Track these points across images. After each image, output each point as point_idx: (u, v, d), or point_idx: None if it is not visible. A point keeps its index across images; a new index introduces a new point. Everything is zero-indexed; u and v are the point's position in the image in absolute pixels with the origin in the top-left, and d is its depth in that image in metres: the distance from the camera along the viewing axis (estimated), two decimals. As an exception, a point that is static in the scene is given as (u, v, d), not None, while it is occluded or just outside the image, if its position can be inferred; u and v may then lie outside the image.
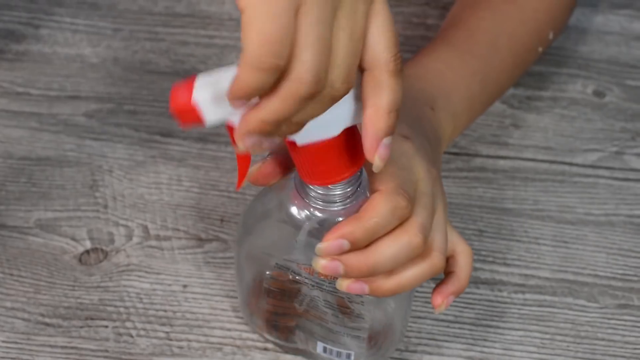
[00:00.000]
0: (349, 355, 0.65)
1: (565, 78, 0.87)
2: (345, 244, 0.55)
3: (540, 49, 0.79)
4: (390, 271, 0.57)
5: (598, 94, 0.86)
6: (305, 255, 0.60)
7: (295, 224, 0.59)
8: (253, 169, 0.59)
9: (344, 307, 0.62)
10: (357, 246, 0.55)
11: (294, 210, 0.59)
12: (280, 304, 0.64)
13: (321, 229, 0.58)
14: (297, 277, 0.62)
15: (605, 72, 0.87)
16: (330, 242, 0.55)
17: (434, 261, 0.58)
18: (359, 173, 0.57)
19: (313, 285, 0.61)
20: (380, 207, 0.55)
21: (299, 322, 0.65)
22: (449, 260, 0.62)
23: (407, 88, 0.61)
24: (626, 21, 0.92)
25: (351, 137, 0.54)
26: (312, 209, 0.58)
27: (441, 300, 0.61)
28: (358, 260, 0.56)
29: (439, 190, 0.60)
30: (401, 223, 0.57)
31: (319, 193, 0.57)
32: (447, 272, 0.62)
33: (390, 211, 0.55)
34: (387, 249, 0.56)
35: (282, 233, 0.60)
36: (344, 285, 0.57)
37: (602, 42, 0.90)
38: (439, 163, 0.64)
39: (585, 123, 0.84)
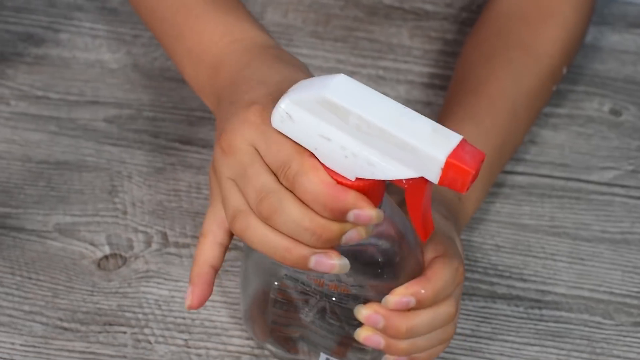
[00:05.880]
0: None
1: (582, 96, 0.87)
2: (412, 301, 0.58)
3: (554, 88, 0.80)
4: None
5: (614, 112, 0.86)
6: None
7: None
8: None
9: (351, 319, 0.62)
10: (421, 305, 0.58)
11: None
12: (285, 315, 0.64)
13: None
14: (306, 289, 0.62)
15: (621, 91, 0.88)
16: (399, 297, 0.57)
17: (448, 329, 0.61)
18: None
19: (321, 298, 0.62)
20: (444, 270, 0.59)
21: (303, 333, 0.65)
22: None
23: None
24: (643, 40, 0.92)
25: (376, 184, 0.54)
26: None
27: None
28: (399, 318, 0.58)
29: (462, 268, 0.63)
30: None
31: None
32: None
33: (452, 274, 0.59)
34: (426, 315, 0.59)
35: None
36: (361, 335, 0.59)
37: (619, 60, 0.90)
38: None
39: (601, 141, 0.84)
